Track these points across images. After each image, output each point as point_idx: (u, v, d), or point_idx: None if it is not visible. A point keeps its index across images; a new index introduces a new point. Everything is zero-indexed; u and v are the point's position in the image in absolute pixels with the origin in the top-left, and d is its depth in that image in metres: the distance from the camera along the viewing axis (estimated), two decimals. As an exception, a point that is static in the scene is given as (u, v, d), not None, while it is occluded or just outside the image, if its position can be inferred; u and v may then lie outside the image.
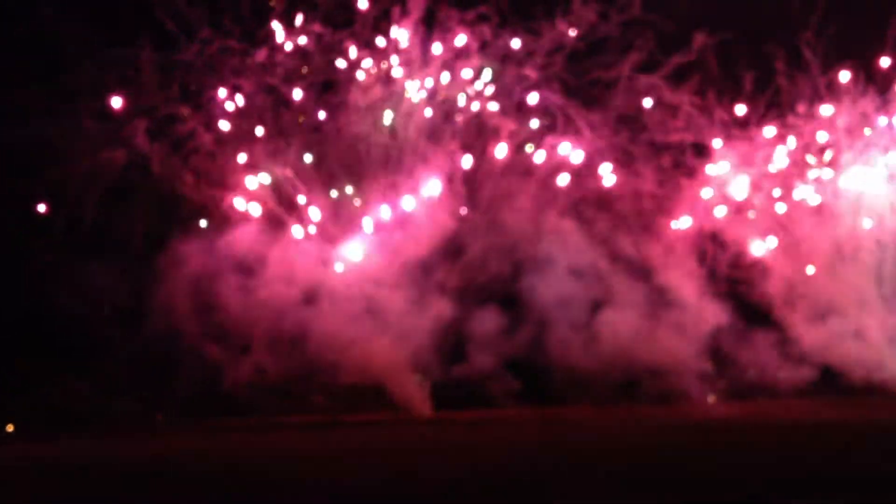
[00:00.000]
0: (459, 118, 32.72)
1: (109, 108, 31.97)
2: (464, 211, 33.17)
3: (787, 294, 34.19)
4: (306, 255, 32.66)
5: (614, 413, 32.56)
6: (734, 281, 34.30)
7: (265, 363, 32.76)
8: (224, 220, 32.59)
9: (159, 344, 32.49)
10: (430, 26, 32.43)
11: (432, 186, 32.65)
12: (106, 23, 31.33)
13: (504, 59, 32.55)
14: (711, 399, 34.28)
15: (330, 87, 33.06)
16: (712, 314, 33.75)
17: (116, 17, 31.40)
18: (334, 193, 33.11)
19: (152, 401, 33.54)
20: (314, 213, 32.87)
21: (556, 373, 33.65)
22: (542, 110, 32.94)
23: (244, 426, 31.69)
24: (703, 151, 33.95)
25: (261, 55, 32.58)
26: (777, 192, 34.30)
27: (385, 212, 32.83)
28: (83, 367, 32.85)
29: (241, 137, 32.66)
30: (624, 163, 33.41)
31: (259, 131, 32.86)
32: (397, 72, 32.75)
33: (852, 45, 33.94)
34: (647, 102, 33.44)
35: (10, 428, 32.27)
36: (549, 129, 32.93)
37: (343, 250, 32.92)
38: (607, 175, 33.52)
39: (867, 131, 34.33)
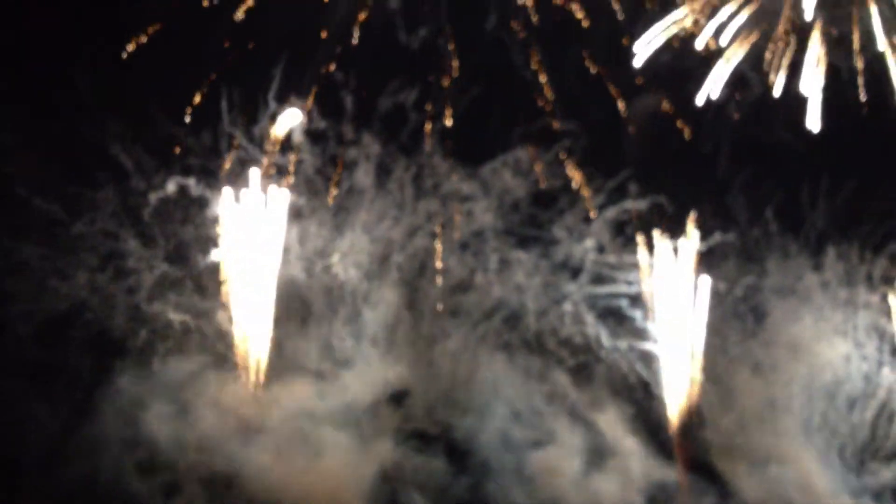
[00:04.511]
0: (401, 257, 33.45)
1: (56, 241, 32.32)
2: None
3: (725, 444, 34.39)
4: (246, 396, 32.48)
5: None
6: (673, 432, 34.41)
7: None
8: (163, 356, 32.44)
9: (90, 485, 31.62)
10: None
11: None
12: (59, 160, 32.04)
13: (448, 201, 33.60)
14: None
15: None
16: (653, 465, 33.72)
17: (70, 155, 32.11)
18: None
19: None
20: (255, 354, 32.88)
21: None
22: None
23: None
24: (637, 302, 34.72)
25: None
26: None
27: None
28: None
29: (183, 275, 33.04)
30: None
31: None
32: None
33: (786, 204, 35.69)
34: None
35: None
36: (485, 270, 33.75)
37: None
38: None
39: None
